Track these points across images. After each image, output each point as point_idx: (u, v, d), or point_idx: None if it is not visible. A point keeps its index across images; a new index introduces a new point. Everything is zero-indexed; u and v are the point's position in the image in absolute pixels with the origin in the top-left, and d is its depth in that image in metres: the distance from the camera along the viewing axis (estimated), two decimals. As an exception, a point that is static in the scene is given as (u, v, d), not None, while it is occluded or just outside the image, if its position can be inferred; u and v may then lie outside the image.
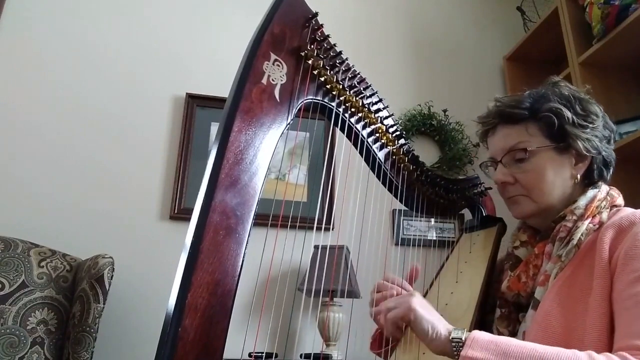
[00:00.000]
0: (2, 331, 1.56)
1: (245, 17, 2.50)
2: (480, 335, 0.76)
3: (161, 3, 2.49)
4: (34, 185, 2.07)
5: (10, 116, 2.15)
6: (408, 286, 1.06)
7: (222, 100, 2.29)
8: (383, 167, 1.07)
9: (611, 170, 1.03)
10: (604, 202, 0.95)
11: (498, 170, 1.03)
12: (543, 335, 0.82)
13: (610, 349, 0.76)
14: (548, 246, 0.95)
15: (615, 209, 0.96)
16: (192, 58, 2.42)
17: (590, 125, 0.98)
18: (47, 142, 2.15)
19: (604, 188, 0.98)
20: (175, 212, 2.15)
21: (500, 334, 0.96)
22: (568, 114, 0.97)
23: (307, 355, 1.81)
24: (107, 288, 1.61)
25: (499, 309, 1.00)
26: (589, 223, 0.92)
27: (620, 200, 0.99)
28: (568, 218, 0.93)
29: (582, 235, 0.90)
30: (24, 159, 2.11)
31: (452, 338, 0.77)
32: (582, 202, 0.94)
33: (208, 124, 2.33)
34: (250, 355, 1.71)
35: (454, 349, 0.76)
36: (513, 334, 0.95)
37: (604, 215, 0.93)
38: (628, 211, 0.92)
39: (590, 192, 0.96)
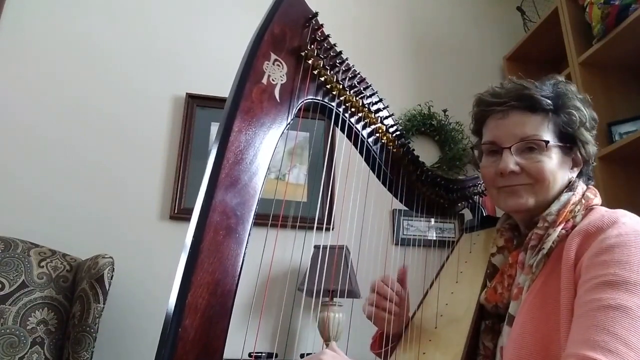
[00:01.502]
0: (2, 331, 1.56)
1: (245, 17, 2.49)
2: None
3: (161, 3, 2.49)
4: (34, 186, 2.07)
5: (10, 116, 2.15)
6: (402, 293, 1.06)
7: (222, 100, 2.29)
8: (383, 167, 1.06)
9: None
10: (579, 206, 0.90)
11: (507, 159, 0.92)
12: (518, 354, 0.79)
13: None
14: (521, 255, 0.92)
15: (589, 208, 0.91)
16: (192, 58, 2.42)
17: (594, 132, 0.97)
18: (47, 142, 2.15)
19: (579, 190, 0.93)
20: (175, 212, 2.15)
21: (485, 347, 0.93)
22: (586, 116, 0.94)
23: (307, 355, 1.81)
24: (107, 288, 1.61)
25: (483, 321, 0.97)
26: (562, 229, 0.87)
27: (596, 200, 0.94)
28: (539, 225, 0.89)
29: (553, 243, 0.86)
30: (24, 159, 2.11)
31: None
32: (554, 207, 0.90)
33: (208, 124, 2.33)
34: (250, 355, 1.71)
35: None
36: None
37: (578, 218, 0.89)
38: (598, 214, 0.87)
39: (564, 197, 0.91)
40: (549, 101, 0.93)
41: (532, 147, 0.93)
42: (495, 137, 0.97)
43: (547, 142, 0.91)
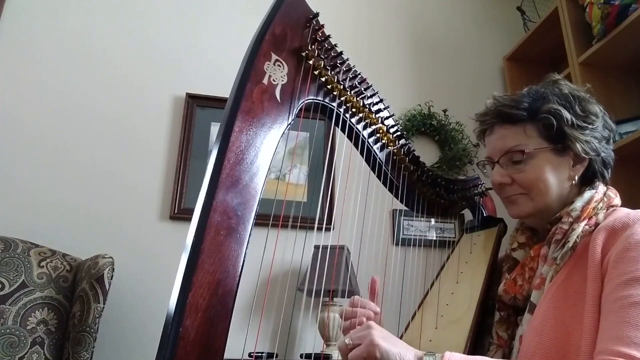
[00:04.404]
0: (2, 331, 1.56)
1: (245, 17, 2.50)
2: (455, 358, 0.75)
3: (161, 3, 2.49)
4: (34, 186, 2.07)
5: (9, 116, 2.15)
6: (375, 307, 1.00)
7: (222, 100, 2.29)
8: (384, 167, 1.07)
9: (610, 171, 1.01)
10: (601, 204, 0.93)
11: (495, 171, 1.01)
12: (539, 340, 0.81)
13: None
14: (544, 249, 0.94)
15: (611, 209, 0.94)
16: (192, 58, 2.42)
17: (590, 127, 0.96)
18: (47, 143, 2.14)
19: (601, 189, 0.96)
20: (175, 212, 2.14)
21: (499, 337, 0.96)
22: (567, 115, 0.95)
23: (307, 355, 1.81)
24: (107, 288, 1.61)
25: (497, 312, 0.99)
26: (585, 225, 0.90)
27: (617, 200, 0.97)
28: (564, 220, 0.92)
29: (577, 237, 0.88)
30: (24, 159, 2.10)
31: None
32: (578, 203, 0.93)
33: (208, 124, 2.33)
34: (250, 355, 1.71)
35: None
36: (512, 337, 0.94)
37: (600, 216, 0.91)
38: (623, 212, 0.90)
39: (587, 194, 0.94)
40: (521, 112, 0.98)
41: (517, 159, 0.98)
42: (488, 153, 1.06)
43: (523, 151, 0.96)
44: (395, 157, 1.08)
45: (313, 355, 1.76)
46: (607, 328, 0.75)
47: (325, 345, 1.91)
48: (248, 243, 0.69)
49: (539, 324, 0.83)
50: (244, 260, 0.68)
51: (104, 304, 1.59)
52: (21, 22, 2.29)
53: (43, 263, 1.73)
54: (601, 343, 0.74)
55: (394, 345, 0.77)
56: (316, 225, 2.23)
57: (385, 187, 1.10)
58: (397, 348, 0.76)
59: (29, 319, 1.61)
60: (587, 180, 0.99)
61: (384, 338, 0.77)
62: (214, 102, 2.32)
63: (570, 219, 0.91)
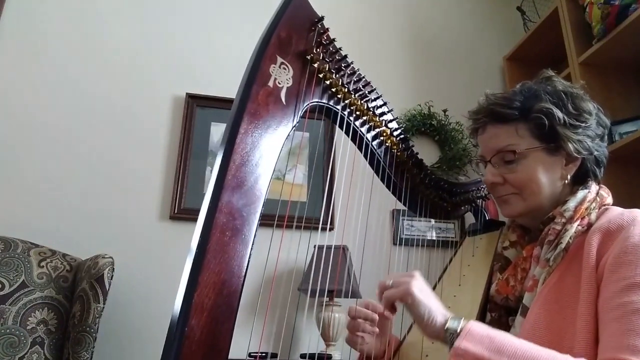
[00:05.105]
0: (2, 331, 1.56)
1: (245, 17, 2.49)
2: (477, 327, 0.75)
3: (161, 3, 2.48)
4: (34, 186, 2.07)
5: (10, 116, 2.14)
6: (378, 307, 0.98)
7: (222, 100, 2.30)
8: (387, 170, 1.07)
9: (603, 169, 1.00)
10: (594, 204, 0.92)
11: (487, 171, 1.00)
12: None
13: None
14: (536, 249, 0.93)
15: (603, 208, 0.93)
16: (192, 58, 2.41)
17: (583, 125, 0.94)
18: (48, 142, 2.14)
19: (593, 188, 0.95)
20: (175, 212, 2.14)
21: None
22: (559, 114, 0.93)
23: (308, 355, 1.81)
24: (107, 288, 1.60)
25: (489, 313, 0.98)
26: (578, 225, 0.89)
27: (609, 199, 0.96)
28: (557, 220, 0.91)
29: (570, 238, 0.88)
30: (24, 159, 2.10)
31: (447, 328, 0.77)
32: (571, 204, 0.92)
33: (208, 124, 2.33)
34: (250, 355, 1.71)
35: (449, 338, 0.76)
36: None
37: (593, 216, 0.91)
38: (616, 212, 0.89)
39: (580, 194, 0.93)
40: (513, 111, 0.97)
41: (509, 159, 0.97)
42: (481, 152, 1.05)
43: (514, 151, 0.95)
44: (398, 160, 1.09)
45: (313, 355, 1.77)
46: (611, 336, 0.74)
47: (325, 345, 1.91)
48: (253, 244, 0.69)
49: (531, 327, 0.83)
50: (248, 261, 0.68)
51: (104, 304, 1.59)
52: (22, 21, 2.28)
53: (43, 263, 1.73)
54: (605, 351, 0.73)
55: (427, 299, 0.80)
56: (319, 226, 2.23)
57: (389, 189, 1.10)
58: (429, 302, 0.80)
59: (29, 319, 1.61)
60: (580, 179, 0.97)
61: (420, 290, 0.81)
62: (214, 102, 2.32)
63: (563, 220, 0.90)
